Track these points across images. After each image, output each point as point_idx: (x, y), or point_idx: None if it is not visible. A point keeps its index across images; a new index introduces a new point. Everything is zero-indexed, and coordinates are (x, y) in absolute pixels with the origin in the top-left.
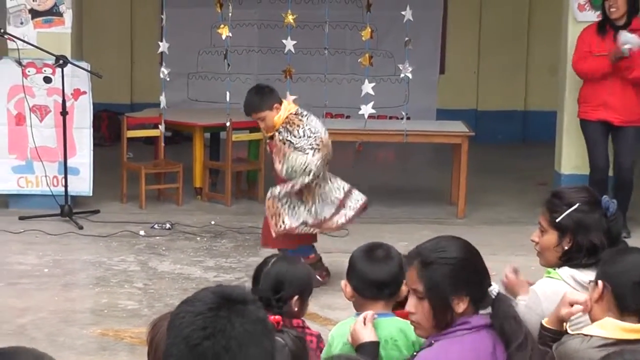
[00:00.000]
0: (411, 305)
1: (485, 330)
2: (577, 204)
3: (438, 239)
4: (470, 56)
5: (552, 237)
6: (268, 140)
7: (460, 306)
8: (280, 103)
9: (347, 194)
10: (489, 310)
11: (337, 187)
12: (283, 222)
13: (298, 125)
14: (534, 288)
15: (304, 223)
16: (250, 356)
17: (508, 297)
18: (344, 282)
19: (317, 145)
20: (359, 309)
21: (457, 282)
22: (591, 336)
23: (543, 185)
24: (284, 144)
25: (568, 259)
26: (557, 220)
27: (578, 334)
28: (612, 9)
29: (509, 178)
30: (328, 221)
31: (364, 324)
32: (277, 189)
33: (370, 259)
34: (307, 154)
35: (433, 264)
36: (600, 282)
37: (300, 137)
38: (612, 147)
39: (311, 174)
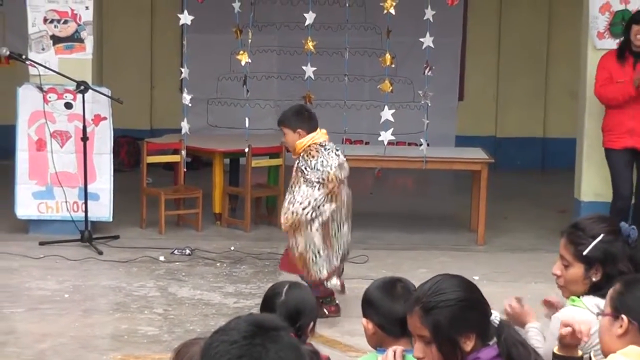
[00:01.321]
0: (419, 350)
1: None
2: (602, 235)
3: (436, 280)
4: (490, 83)
5: (578, 270)
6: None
7: (468, 344)
8: (309, 131)
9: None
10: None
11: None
12: (319, 271)
13: (314, 157)
14: (558, 316)
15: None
16: None
17: (510, 323)
18: (364, 320)
19: (323, 180)
20: (382, 345)
21: (461, 322)
22: None
23: (563, 212)
24: (297, 172)
25: (597, 289)
26: (584, 254)
27: None
28: (638, 36)
29: (529, 205)
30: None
31: (394, 359)
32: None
33: (392, 296)
34: (314, 186)
35: (435, 309)
36: (625, 318)
37: (311, 169)
38: (636, 173)
39: (308, 208)
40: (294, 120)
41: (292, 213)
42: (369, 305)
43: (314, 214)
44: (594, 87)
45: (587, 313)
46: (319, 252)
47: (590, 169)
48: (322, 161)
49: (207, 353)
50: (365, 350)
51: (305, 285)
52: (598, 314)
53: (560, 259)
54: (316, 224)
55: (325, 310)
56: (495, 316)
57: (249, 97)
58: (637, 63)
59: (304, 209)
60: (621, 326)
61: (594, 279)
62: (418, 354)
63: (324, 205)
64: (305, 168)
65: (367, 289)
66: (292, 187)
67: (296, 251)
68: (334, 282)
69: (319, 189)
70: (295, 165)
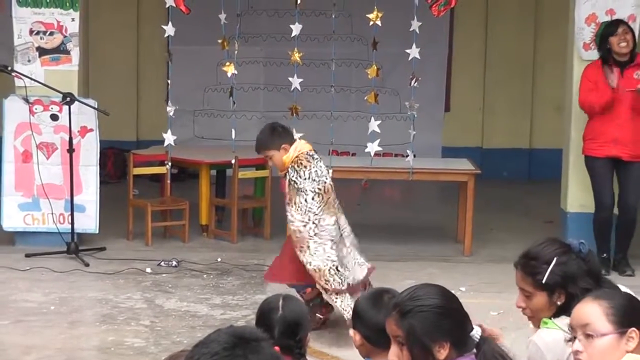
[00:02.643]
0: (393, 354)
1: None
2: (555, 258)
3: (415, 287)
4: (476, 94)
5: (541, 298)
6: (282, 178)
7: (442, 352)
8: (291, 143)
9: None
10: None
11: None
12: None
13: (305, 167)
14: (534, 340)
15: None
16: None
17: (491, 338)
18: (352, 331)
19: (319, 190)
20: (370, 356)
21: (435, 329)
22: None
23: (549, 223)
24: (289, 184)
25: (564, 311)
26: (543, 281)
27: None
28: (621, 44)
29: (516, 216)
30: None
31: None
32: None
33: (378, 307)
34: (308, 195)
35: (410, 313)
36: (635, 331)
37: (305, 179)
38: (618, 183)
39: (310, 224)
40: (274, 140)
41: (294, 231)
42: (356, 316)
43: (316, 230)
44: (579, 97)
45: (560, 333)
46: (337, 267)
47: (576, 180)
48: (317, 171)
49: None
50: None
51: (298, 297)
52: (568, 341)
53: (521, 291)
54: (328, 243)
55: (318, 316)
56: (477, 331)
57: (235, 108)
58: (624, 72)
59: (304, 226)
60: (635, 341)
61: (558, 303)
62: (392, 357)
63: (324, 220)
64: (297, 178)
65: (356, 300)
66: (288, 204)
67: (310, 266)
68: (348, 301)
69: (312, 199)
70: (287, 179)
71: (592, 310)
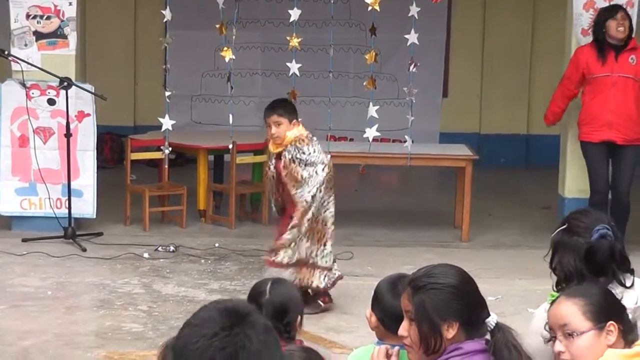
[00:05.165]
0: (403, 328)
1: (481, 355)
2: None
3: (433, 265)
4: (474, 80)
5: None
6: (274, 161)
7: (450, 332)
8: (299, 125)
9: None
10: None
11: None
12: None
13: (307, 144)
14: (537, 313)
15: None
16: None
17: (508, 327)
18: (369, 312)
19: (325, 163)
20: (382, 338)
21: (445, 307)
22: None
23: (546, 208)
24: (294, 162)
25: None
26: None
27: None
28: (619, 29)
29: (513, 201)
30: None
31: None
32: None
33: (394, 291)
34: (318, 167)
35: (423, 289)
36: (613, 324)
37: (310, 154)
38: (612, 168)
39: (318, 190)
40: (292, 111)
41: (300, 202)
42: (374, 298)
43: (323, 198)
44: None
45: None
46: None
47: (574, 165)
48: (319, 148)
49: (186, 350)
50: (350, 346)
51: (288, 280)
52: (548, 341)
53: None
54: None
55: (320, 302)
56: (493, 318)
57: (233, 93)
58: (618, 56)
59: (313, 196)
60: (615, 335)
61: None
62: (402, 332)
63: (327, 195)
64: (301, 154)
65: (378, 282)
66: (292, 183)
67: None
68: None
69: (322, 170)
70: (285, 159)
71: (569, 310)
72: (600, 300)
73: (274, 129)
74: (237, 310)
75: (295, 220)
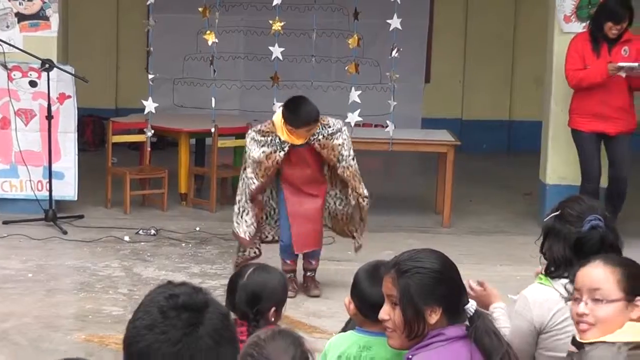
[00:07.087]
0: (385, 312)
1: (462, 341)
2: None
3: (417, 250)
4: (456, 65)
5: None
6: (287, 149)
7: (433, 317)
8: None
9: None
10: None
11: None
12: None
13: (323, 119)
14: (524, 294)
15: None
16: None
17: (486, 312)
18: (347, 299)
19: (344, 125)
20: (361, 325)
21: (430, 292)
22: (621, 343)
23: (528, 195)
24: (328, 138)
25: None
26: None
27: (600, 342)
28: (613, 31)
29: (494, 187)
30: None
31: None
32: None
33: (374, 280)
34: (344, 132)
35: (408, 273)
36: None
37: (333, 124)
38: (607, 157)
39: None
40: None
41: (349, 167)
42: (353, 285)
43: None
44: (565, 70)
45: (552, 291)
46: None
47: (556, 152)
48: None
49: (148, 357)
50: (330, 331)
51: (274, 269)
52: (567, 300)
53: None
54: None
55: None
56: (472, 304)
57: (215, 77)
58: (612, 48)
59: (353, 159)
60: (637, 307)
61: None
62: (383, 316)
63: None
64: (328, 127)
65: (358, 269)
66: (334, 157)
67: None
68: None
69: (349, 132)
70: (318, 142)
71: (603, 276)
72: (636, 274)
73: (308, 133)
74: (191, 305)
75: (360, 189)
